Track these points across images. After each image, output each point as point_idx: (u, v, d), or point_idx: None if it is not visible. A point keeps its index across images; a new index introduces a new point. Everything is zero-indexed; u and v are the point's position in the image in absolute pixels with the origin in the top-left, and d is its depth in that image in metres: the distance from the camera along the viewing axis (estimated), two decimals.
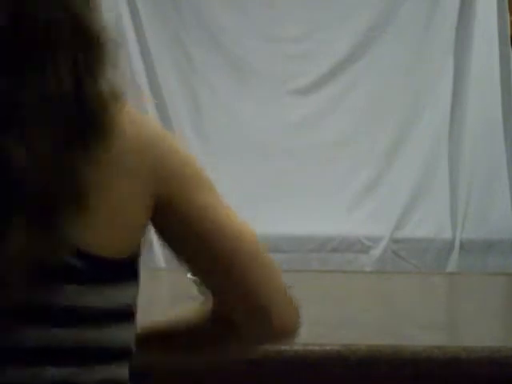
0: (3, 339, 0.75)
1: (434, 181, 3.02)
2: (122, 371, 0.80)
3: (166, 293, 1.63)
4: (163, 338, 0.90)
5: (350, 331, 1.18)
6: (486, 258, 2.99)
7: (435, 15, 3.05)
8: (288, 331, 0.85)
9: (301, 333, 1.11)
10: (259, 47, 3.03)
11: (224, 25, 3.03)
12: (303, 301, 1.40)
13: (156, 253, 2.92)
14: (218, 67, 3.02)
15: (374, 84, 3.05)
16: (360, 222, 2.97)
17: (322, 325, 1.19)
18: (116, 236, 0.78)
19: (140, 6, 3.00)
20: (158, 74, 3.00)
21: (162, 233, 0.85)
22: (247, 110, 3.02)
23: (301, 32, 3.06)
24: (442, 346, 1.00)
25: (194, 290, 1.36)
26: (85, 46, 0.80)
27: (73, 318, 0.76)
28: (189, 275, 1.36)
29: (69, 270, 0.75)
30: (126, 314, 0.80)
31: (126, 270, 0.80)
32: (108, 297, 0.78)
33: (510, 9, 3.04)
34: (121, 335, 0.79)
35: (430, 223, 3.01)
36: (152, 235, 2.94)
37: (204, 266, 0.85)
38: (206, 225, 0.82)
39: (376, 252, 2.96)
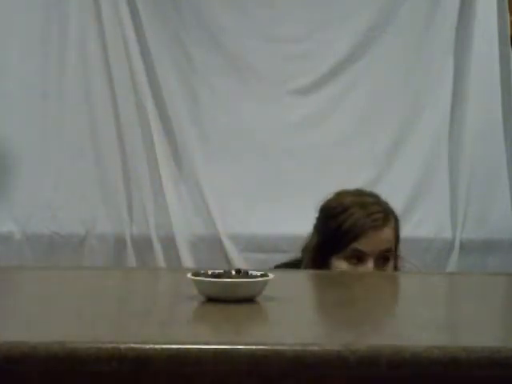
0: None
1: (433, 181, 3.02)
2: None
3: (166, 293, 1.63)
4: None
5: (350, 331, 1.18)
6: (485, 258, 2.99)
7: (435, 15, 3.05)
8: None
9: (301, 333, 1.11)
10: (259, 47, 3.03)
11: (224, 25, 3.03)
12: (303, 301, 1.40)
13: (156, 253, 2.93)
14: (217, 67, 3.02)
15: (374, 84, 3.05)
16: None
17: (322, 325, 1.19)
18: None
19: (140, 6, 3.00)
20: (158, 73, 3.00)
21: None
22: (247, 110, 3.02)
23: (301, 32, 3.05)
24: (441, 346, 1.00)
25: (193, 289, 1.36)
26: None
27: None
28: (189, 275, 1.36)
29: None
30: None
31: None
32: None
33: (510, 9, 3.04)
34: None
35: (430, 223, 3.01)
36: (152, 235, 2.99)
37: None
38: None
39: None
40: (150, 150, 2.99)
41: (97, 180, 2.98)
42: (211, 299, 1.32)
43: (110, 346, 0.98)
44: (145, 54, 3.00)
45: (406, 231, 3.00)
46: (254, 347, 0.99)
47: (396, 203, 2.98)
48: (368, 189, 3.03)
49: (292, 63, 3.03)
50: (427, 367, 0.98)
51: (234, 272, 1.40)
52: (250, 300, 1.32)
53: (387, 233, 2.06)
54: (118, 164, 2.99)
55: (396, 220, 2.14)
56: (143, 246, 2.95)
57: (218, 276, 1.37)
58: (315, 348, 0.98)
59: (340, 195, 2.14)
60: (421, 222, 3.01)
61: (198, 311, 1.30)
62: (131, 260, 2.93)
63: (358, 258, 2.00)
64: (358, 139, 3.03)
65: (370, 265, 1.98)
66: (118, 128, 3.00)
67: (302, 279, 1.67)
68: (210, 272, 1.39)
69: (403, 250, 2.99)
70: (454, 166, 3.03)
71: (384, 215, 2.08)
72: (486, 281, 1.91)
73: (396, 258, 2.12)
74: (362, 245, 2.00)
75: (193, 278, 1.35)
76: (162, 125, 3.01)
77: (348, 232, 2.02)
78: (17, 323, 1.17)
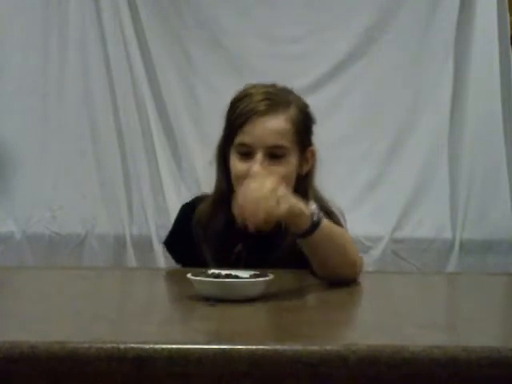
0: None
1: (433, 181, 3.03)
2: None
3: (166, 293, 1.63)
4: None
5: (350, 331, 1.18)
6: (485, 258, 2.99)
7: (435, 15, 3.05)
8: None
9: (301, 333, 1.11)
10: (259, 47, 3.03)
11: (224, 25, 3.03)
12: (303, 301, 1.40)
13: (156, 253, 2.93)
14: (218, 67, 3.02)
15: (374, 84, 3.05)
16: (360, 221, 2.97)
17: (322, 325, 1.19)
18: None
19: (140, 5, 3.00)
20: (158, 73, 3.00)
21: None
22: None
23: (301, 32, 3.06)
24: (441, 345, 1.00)
25: (193, 289, 1.36)
26: None
27: None
28: (189, 275, 1.36)
29: None
30: None
31: None
32: None
33: (510, 9, 3.04)
34: None
35: (430, 223, 3.01)
36: (152, 235, 2.98)
37: None
38: None
39: (376, 252, 2.96)
40: (150, 150, 2.99)
41: (97, 180, 2.98)
42: (211, 299, 1.32)
43: (109, 345, 0.98)
44: (145, 53, 3.00)
45: (406, 231, 3.01)
46: (253, 347, 0.99)
47: (396, 203, 3.01)
48: (368, 189, 3.05)
49: (292, 63, 3.03)
50: (427, 367, 0.98)
51: (233, 272, 1.41)
52: (250, 300, 1.32)
53: (276, 123, 1.78)
54: (117, 164, 2.99)
55: (302, 115, 1.89)
56: (143, 246, 2.95)
57: (218, 276, 1.37)
58: (315, 348, 0.98)
59: (246, 86, 1.89)
60: (421, 222, 3.01)
61: (198, 311, 1.30)
62: (131, 260, 2.93)
63: (247, 153, 1.77)
64: (358, 139, 3.03)
65: (258, 159, 1.74)
66: (118, 128, 3.00)
67: (302, 279, 1.67)
68: (209, 272, 1.39)
69: (404, 249, 3.01)
70: (453, 165, 3.04)
71: (275, 103, 1.80)
72: (485, 281, 1.91)
73: (306, 167, 1.86)
74: (246, 136, 1.76)
75: (193, 278, 1.35)
76: (162, 125, 3.01)
77: (234, 121, 1.81)
78: (17, 323, 1.17)
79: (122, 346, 0.98)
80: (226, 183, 1.84)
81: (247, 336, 1.10)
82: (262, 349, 0.98)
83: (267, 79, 3.02)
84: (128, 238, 2.95)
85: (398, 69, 3.05)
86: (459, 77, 3.04)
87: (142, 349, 0.98)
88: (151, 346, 0.98)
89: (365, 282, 1.75)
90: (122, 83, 2.99)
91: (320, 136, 3.05)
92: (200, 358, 0.97)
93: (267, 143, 1.76)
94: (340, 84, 3.04)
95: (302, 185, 1.82)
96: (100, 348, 0.97)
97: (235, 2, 3.04)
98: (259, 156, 1.75)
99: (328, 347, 0.98)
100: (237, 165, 1.79)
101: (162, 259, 2.91)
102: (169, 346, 0.98)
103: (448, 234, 2.99)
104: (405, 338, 1.10)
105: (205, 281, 1.34)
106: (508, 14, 3.04)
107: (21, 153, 2.95)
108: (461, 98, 3.04)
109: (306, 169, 1.85)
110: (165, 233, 3.00)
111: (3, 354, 0.97)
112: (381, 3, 3.05)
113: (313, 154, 1.88)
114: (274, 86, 1.88)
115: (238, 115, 1.81)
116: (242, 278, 1.37)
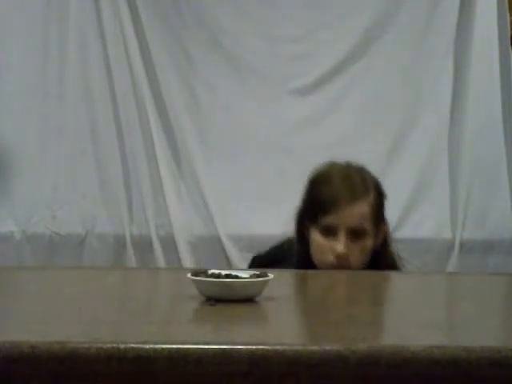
0: None
1: (433, 181, 3.02)
2: None
3: (166, 293, 1.63)
4: None
5: (350, 331, 1.18)
6: (486, 258, 2.99)
7: (435, 15, 3.05)
8: None
9: (301, 333, 1.11)
10: (259, 47, 3.03)
11: (224, 25, 3.03)
12: (303, 301, 1.40)
13: (156, 253, 2.93)
14: (218, 67, 3.02)
15: (374, 84, 3.05)
16: None
17: (321, 325, 1.19)
18: None
19: (140, 5, 3.00)
20: (158, 73, 3.00)
21: None
22: (247, 110, 3.02)
23: (301, 32, 3.05)
24: (441, 345, 1.00)
25: (193, 289, 1.36)
26: None
27: None
28: (189, 275, 1.36)
29: None
30: None
31: None
32: None
33: (510, 9, 3.04)
34: None
35: (430, 223, 3.01)
36: (152, 235, 2.98)
37: None
38: None
39: None
40: (150, 150, 2.99)
41: (97, 180, 2.98)
42: (211, 299, 1.32)
43: (109, 345, 0.98)
44: (145, 53, 3.00)
45: (406, 231, 3.01)
46: (253, 347, 0.99)
47: (396, 203, 3.00)
48: None
49: (292, 63, 3.03)
50: (427, 367, 0.98)
51: (233, 272, 1.41)
52: (250, 300, 1.32)
53: (359, 209, 1.98)
54: (118, 164, 2.99)
55: (378, 196, 2.05)
56: (143, 246, 2.95)
57: (218, 276, 1.37)
58: (315, 348, 0.98)
59: (328, 165, 2.10)
60: (421, 222, 3.01)
61: (198, 311, 1.30)
62: (131, 260, 2.93)
63: (331, 231, 1.95)
64: (358, 139, 3.03)
65: (341, 239, 1.93)
66: (118, 128, 3.00)
67: (303, 279, 1.67)
68: (209, 272, 1.39)
69: (403, 249, 3.00)
70: (453, 166, 3.03)
71: (356, 191, 2.01)
72: (485, 281, 1.91)
73: (382, 242, 2.06)
74: (332, 218, 1.95)
75: (193, 278, 1.35)
76: (162, 125, 3.01)
77: (320, 204, 1.98)
78: (17, 323, 1.17)
79: (122, 346, 0.98)
80: (306, 254, 2.00)
81: (247, 336, 1.10)
82: (262, 349, 0.98)
83: (267, 79, 3.04)
84: (128, 238, 2.95)
85: (397, 69, 3.04)
86: (459, 77, 3.04)
87: (141, 349, 0.98)
88: (151, 346, 0.98)
89: (365, 281, 1.75)
90: (122, 83, 2.99)
91: (320, 136, 3.07)
92: (200, 357, 0.97)
93: (351, 224, 1.94)
94: (340, 84, 3.04)
95: (382, 254, 2.04)
96: (100, 348, 0.97)
97: (235, 2, 3.04)
98: (342, 236, 1.93)
99: (328, 347, 0.98)
100: (320, 240, 1.96)
101: (162, 259, 2.91)
102: (169, 346, 0.98)
103: (448, 234, 2.99)
104: (405, 337, 1.10)
105: (205, 281, 1.34)
106: (508, 14, 3.04)
107: (21, 153, 2.95)
108: (461, 98, 3.04)
109: (378, 241, 2.03)
110: (165, 233, 3.03)
111: (3, 354, 0.97)
112: (381, 3, 3.05)
113: (384, 230, 2.06)
114: (349, 166, 2.08)
115: (322, 201, 1.99)
116: (241, 278, 1.37)
